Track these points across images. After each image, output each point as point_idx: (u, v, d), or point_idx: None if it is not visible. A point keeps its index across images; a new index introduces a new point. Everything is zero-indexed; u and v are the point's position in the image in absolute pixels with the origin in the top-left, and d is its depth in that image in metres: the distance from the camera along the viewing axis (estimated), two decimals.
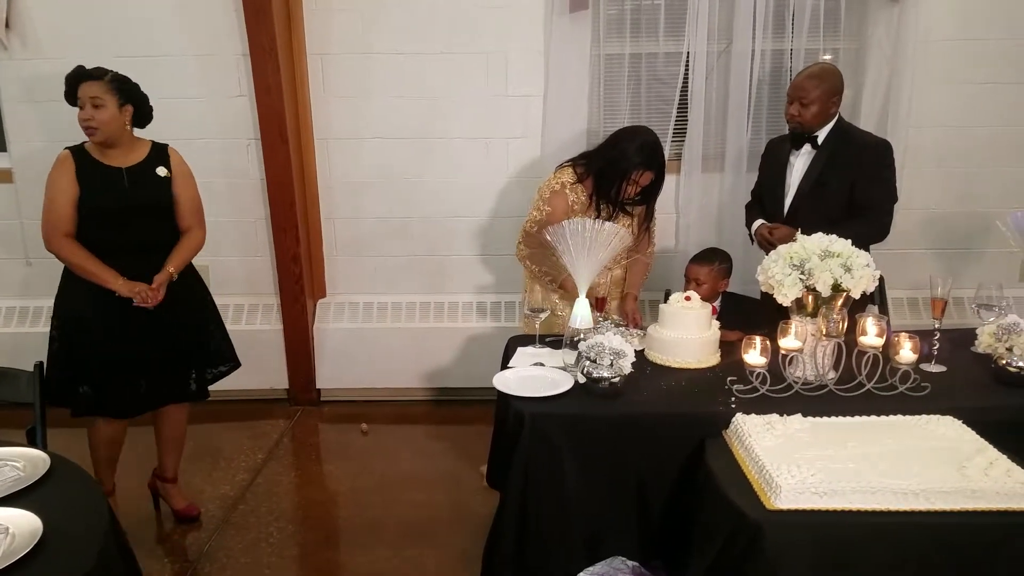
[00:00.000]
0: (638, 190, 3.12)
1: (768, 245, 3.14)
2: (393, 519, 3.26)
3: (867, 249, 2.72)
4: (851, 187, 3.06)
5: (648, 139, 3.11)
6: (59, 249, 2.87)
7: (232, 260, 4.33)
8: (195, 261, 3.09)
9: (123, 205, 2.87)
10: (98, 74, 2.87)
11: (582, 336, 2.62)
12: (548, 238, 2.80)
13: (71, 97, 2.87)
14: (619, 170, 3.07)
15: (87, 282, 2.87)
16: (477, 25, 4.00)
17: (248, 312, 4.35)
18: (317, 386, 4.41)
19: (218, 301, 3.63)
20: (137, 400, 2.98)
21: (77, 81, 2.86)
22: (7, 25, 3.99)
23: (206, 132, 4.12)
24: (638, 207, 3.23)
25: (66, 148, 2.94)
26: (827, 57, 3.91)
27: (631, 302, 3.27)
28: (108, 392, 2.92)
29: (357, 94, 4.11)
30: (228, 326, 3.19)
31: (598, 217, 3.06)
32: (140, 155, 2.96)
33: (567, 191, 3.13)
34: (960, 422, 2.23)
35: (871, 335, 2.44)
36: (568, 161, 3.24)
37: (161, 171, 2.96)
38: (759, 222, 3.27)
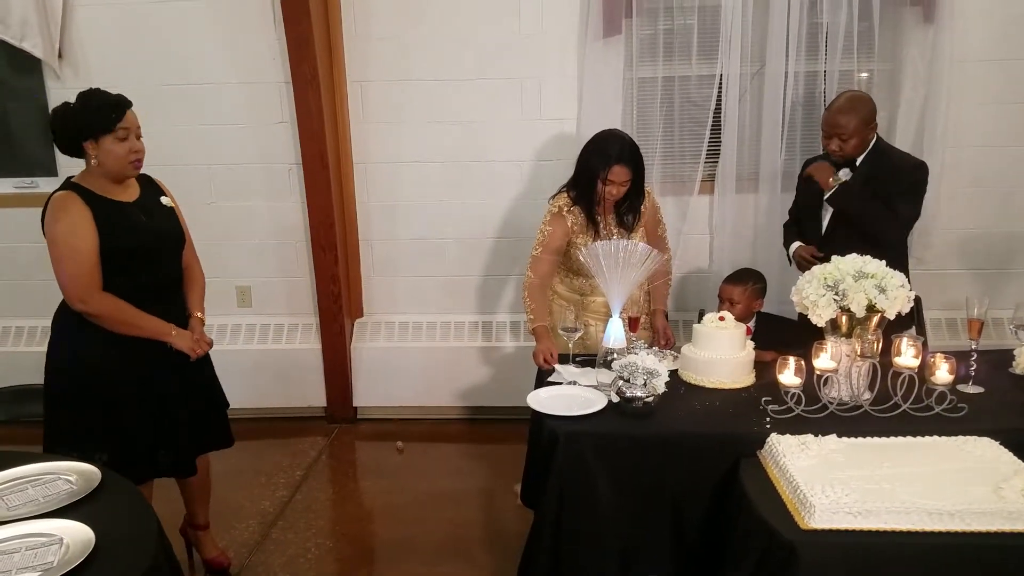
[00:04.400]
0: (618, 189, 2.98)
1: (808, 266, 3.13)
2: (428, 536, 3.29)
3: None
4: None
5: (602, 135, 3.05)
6: (99, 308, 2.47)
7: (273, 281, 4.42)
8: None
9: (147, 242, 2.57)
10: (130, 103, 2.55)
11: (615, 355, 2.65)
12: (582, 259, 2.83)
13: (110, 124, 2.46)
14: (589, 176, 2.99)
15: (105, 333, 2.50)
16: (512, 52, 4.07)
17: (288, 331, 4.43)
18: (354, 404, 4.47)
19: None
20: (179, 456, 2.73)
21: (123, 109, 2.50)
22: (60, 55, 4.15)
23: (249, 157, 4.24)
24: (632, 215, 3.12)
25: (62, 189, 2.50)
26: (863, 75, 3.92)
27: (660, 318, 3.22)
28: (149, 453, 2.64)
29: (395, 120, 4.20)
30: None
31: (598, 235, 3.04)
32: (137, 188, 2.64)
33: (565, 214, 3.09)
34: (997, 443, 2.21)
35: (907, 356, 2.43)
36: (561, 188, 3.20)
37: (165, 200, 2.70)
38: (797, 244, 3.27)
